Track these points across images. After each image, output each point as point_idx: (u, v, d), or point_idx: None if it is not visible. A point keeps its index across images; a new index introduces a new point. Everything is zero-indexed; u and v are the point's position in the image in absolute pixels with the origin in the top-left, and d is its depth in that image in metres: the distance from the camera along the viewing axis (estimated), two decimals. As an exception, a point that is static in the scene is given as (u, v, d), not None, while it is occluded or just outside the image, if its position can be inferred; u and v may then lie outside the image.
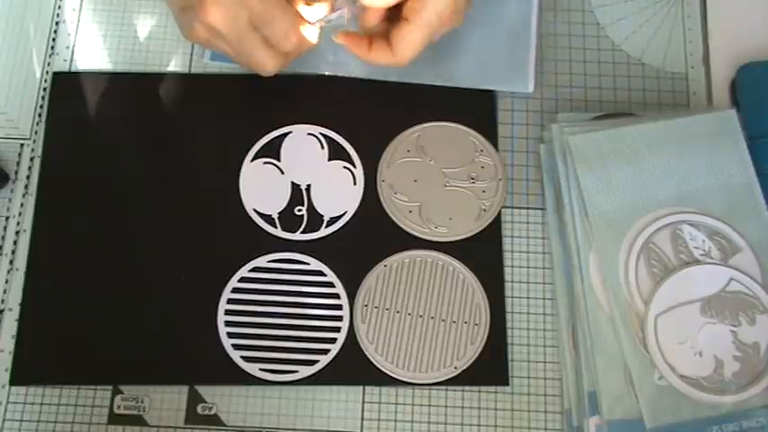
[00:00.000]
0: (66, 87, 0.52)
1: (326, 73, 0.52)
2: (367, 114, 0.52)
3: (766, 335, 0.44)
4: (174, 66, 0.53)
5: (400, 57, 0.46)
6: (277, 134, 0.51)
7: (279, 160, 0.51)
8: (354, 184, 0.50)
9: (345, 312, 0.48)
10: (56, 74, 0.53)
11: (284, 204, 0.50)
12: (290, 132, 0.51)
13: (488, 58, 0.52)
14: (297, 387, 0.47)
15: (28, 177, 0.51)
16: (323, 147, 0.51)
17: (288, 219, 0.50)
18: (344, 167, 0.51)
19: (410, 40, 0.45)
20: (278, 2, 0.43)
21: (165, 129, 0.52)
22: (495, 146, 0.51)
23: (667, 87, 0.53)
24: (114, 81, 0.53)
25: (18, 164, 0.51)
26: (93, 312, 0.48)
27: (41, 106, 0.52)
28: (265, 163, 0.51)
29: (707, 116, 0.48)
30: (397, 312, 0.48)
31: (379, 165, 0.51)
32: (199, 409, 0.47)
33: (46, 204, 0.50)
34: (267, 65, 0.46)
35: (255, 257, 0.49)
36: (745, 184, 0.47)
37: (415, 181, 0.50)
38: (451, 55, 0.52)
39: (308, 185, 0.50)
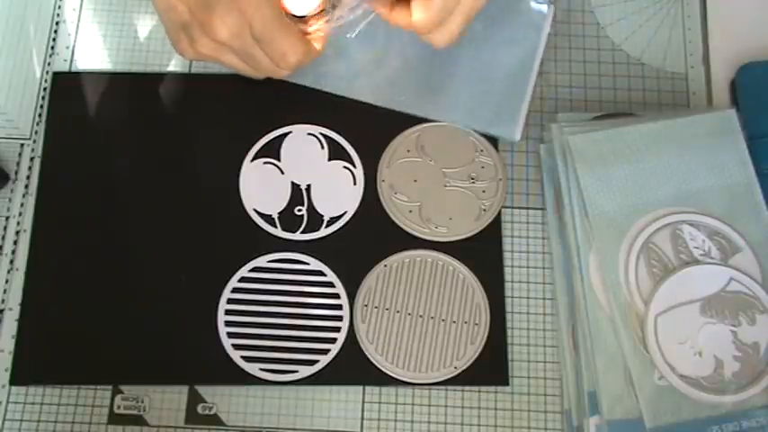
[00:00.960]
0: (66, 87, 0.52)
1: (326, 89, 0.52)
2: (367, 114, 0.52)
3: (766, 335, 0.44)
4: (174, 66, 0.53)
5: (416, 22, 0.45)
6: (277, 134, 0.51)
7: (279, 160, 0.51)
8: (354, 184, 0.50)
9: (345, 312, 0.48)
10: (56, 74, 0.53)
11: (284, 204, 0.50)
12: (290, 132, 0.51)
13: (483, 100, 0.51)
14: (297, 387, 0.47)
15: (28, 177, 0.51)
16: (323, 147, 0.51)
17: (288, 219, 0.50)
18: (344, 167, 0.51)
19: (428, 6, 0.44)
20: (278, 21, 0.43)
21: (165, 129, 0.52)
22: (495, 146, 0.51)
23: (667, 87, 0.53)
24: (114, 81, 0.53)
25: (18, 164, 0.51)
26: (93, 312, 0.48)
27: (41, 106, 0.52)
28: (265, 163, 0.51)
29: (707, 116, 0.48)
30: (397, 312, 0.48)
31: (379, 165, 0.51)
32: (199, 409, 0.47)
33: (46, 204, 0.50)
34: (276, 73, 0.47)
35: (255, 257, 0.49)
36: (745, 184, 0.47)
37: (415, 181, 0.50)
38: (447, 90, 0.52)
39: (308, 185, 0.50)
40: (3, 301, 0.48)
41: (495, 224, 0.50)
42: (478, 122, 0.51)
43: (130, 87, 0.53)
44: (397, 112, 0.51)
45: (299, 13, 0.46)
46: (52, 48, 0.54)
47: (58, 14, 0.54)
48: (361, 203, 0.50)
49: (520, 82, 0.52)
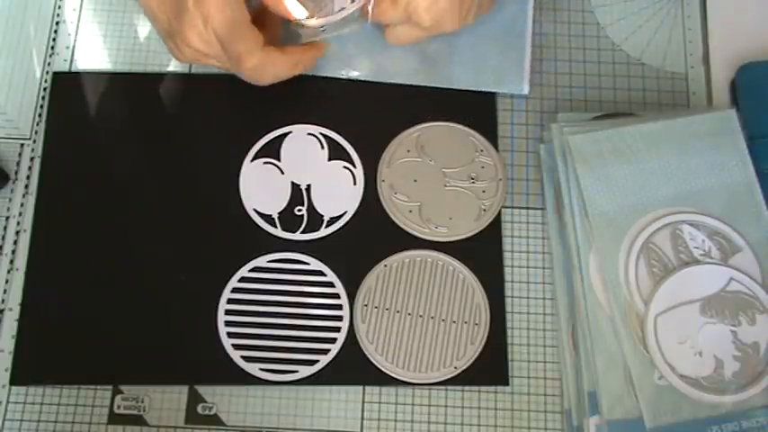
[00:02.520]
0: (66, 87, 0.52)
1: (327, 75, 0.52)
2: (367, 114, 0.52)
3: (766, 335, 0.44)
4: (174, 66, 0.53)
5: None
6: (277, 134, 0.51)
7: (279, 160, 0.51)
8: (354, 184, 0.50)
9: (345, 312, 0.48)
10: (56, 74, 0.53)
11: (284, 204, 0.50)
12: (290, 132, 0.51)
13: (485, 59, 0.52)
14: (297, 387, 0.47)
15: (28, 177, 0.51)
16: (323, 147, 0.51)
17: (288, 219, 0.50)
18: (344, 167, 0.51)
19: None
20: (231, 25, 0.43)
21: (165, 129, 0.52)
22: (495, 146, 0.51)
23: (667, 87, 0.53)
24: (114, 81, 0.53)
25: (18, 164, 0.51)
26: (93, 312, 0.48)
27: (41, 106, 0.52)
28: (265, 163, 0.51)
29: (707, 116, 0.48)
30: (397, 312, 0.48)
31: (379, 165, 0.51)
32: (199, 409, 0.47)
33: (46, 204, 0.50)
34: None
35: (255, 257, 0.49)
36: (745, 184, 0.47)
37: (415, 181, 0.50)
38: (448, 57, 0.52)
39: (308, 185, 0.50)
40: (3, 301, 0.48)
41: (495, 224, 0.50)
42: (485, 82, 0.52)
43: (130, 87, 0.53)
44: (396, 111, 0.51)
45: (300, 17, 0.45)
46: (52, 48, 0.54)
47: (58, 14, 0.54)
48: (361, 203, 0.50)
49: (518, 37, 0.52)
